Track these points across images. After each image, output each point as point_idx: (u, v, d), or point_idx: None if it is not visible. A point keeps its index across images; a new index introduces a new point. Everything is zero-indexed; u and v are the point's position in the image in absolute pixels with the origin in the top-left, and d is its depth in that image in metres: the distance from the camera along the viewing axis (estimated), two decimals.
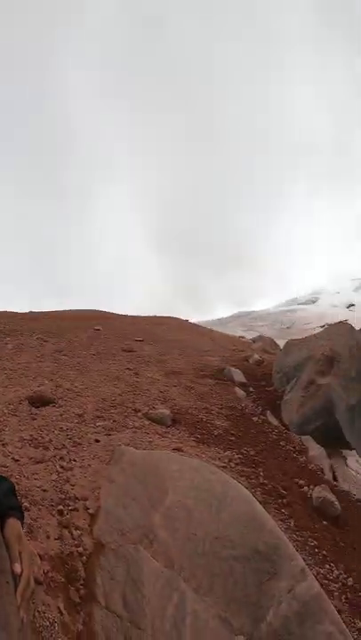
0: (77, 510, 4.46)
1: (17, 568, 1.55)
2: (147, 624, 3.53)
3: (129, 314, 18.65)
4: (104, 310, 17.85)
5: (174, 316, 19.92)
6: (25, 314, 15.36)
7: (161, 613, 3.58)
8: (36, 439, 5.80)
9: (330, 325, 14.74)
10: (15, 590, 1.52)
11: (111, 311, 18.08)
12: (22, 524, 1.76)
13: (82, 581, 3.78)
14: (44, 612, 3.32)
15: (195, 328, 18.47)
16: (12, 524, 1.69)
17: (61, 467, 5.18)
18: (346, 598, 4.82)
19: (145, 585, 3.75)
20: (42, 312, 15.89)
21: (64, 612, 3.47)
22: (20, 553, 1.61)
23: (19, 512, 1.77)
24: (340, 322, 12.65)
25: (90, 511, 4.48)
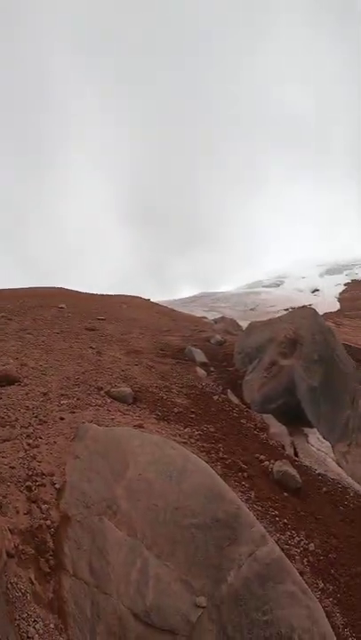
0: (44, 485, 4.59)
1: None
2: (112, 589, 3.73)
3: (93, 292, 18.56)
4: (67, 288, 17.69)
5: (140, 294, 19.97)
6: None
7: (125, 579, 3.79)
8: (2, 418, 5.84)
9: (294, 309, 15.12)
10: None
11: (76, 289, 17.96)
12: None
13: (51, 552, 3.95)
14: (17, 584, 3.47)
15: (156, 307, 18.58)
16: None
17: (28, 444, 5.27)
18: (308, 561, 5.18)
19: (110, 553, 3.95)
20: (5, 289, 15.62)
21: (35, 582, 3.62)
22: None
23: None
24: (305, 306, 13.02)
25: (56, 486, 4.63)
